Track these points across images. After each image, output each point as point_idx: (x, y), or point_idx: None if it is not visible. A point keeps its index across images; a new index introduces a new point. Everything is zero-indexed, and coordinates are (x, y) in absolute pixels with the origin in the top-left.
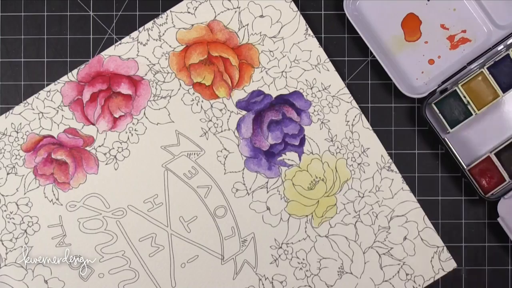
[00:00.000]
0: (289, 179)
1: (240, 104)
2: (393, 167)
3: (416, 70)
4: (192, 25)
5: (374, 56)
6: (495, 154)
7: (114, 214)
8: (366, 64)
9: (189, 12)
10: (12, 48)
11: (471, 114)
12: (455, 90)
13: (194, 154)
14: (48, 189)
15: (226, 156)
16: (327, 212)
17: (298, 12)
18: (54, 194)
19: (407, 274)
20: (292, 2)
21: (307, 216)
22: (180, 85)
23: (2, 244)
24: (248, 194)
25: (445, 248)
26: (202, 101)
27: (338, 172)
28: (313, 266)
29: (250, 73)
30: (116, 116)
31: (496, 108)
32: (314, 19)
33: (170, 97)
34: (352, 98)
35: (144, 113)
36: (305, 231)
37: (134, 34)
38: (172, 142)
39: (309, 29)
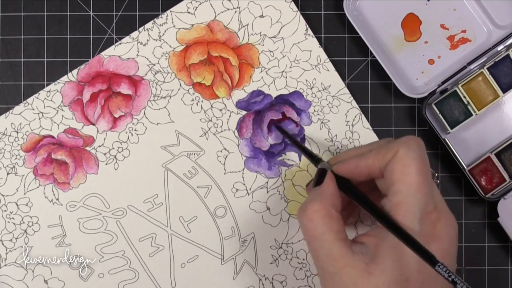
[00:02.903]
0: (289, 179)
1: (240, 104)
2: None
3: (416, 70)
4: (192, 25)
5: (374, 56)
6: (495, 154)
7: (114, 214)
8: (366, 64)
9: (189, 12)
10: (12, 48)
11: (471, 115)
12: (455, 90)
13: (194, 154)
14: (48, 189)
15: (226, 156)
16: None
17: (298, 12)
18: (54, 194)
19: None
20: (292, 2)
21: None
22: (180, 85)
23: (2, 244)
24: (248, 194)
25: None
26: (202, 101)
27: None
28: (313, 266)
29: (250, 73)
30: (116, 116)
31: (496, 108)
32: (314, 19)
33: (170, 97)
34: (352, 98)
35: (144, 113)
36: None
37: (134, 34)
38: (172, 142)
39: (309, 29)
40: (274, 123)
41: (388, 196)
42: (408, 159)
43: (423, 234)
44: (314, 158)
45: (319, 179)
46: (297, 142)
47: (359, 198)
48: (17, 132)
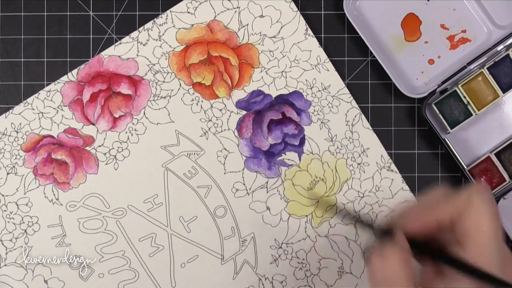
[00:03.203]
0: (289, 179)
1: (240, 104)
2: (393, 167)
3: (416, 70)
4: (192, 25)
5: (374, 56)
6: (495, 154)
7: (114, 214)
8: (366, 64)
9: (189, 12)
10: (12, 48)
11: (471, 114)
12: (455, 90)
13: (194, 154)
14: (48, 189)
15: (226, 156)
16: (327, 212)
17: (298, 12)
18: (54, 194)
19: None
20: (292, 2)
21: (307, 216)
22: (180, 85)
23: (2, 244)
24: (248, 194)
25: None
26: (202, 101)
27: (338, 172)
28: (313, 266)
29: (250, 73)
30: (116, 116)
31: (496, 108)
32: (314, 19)
33: (170, 97)
34: (352, 98)
35: (144, 113)
36: (305, 231)
37: (134, 34)
38: (172, 142)
39: (309, 29)
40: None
41: (463, 247)
42: (484, 207)
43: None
44: (374, 228)
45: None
46: (360, 218)
47: (435, 253)
48: (17, 132)
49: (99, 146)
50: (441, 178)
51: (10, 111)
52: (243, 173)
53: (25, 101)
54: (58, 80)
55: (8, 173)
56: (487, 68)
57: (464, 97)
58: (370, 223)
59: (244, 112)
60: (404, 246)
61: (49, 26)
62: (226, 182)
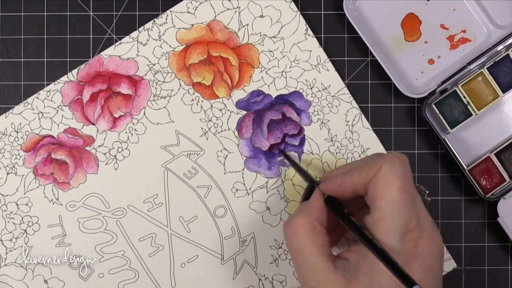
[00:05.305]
0: (289, 179)
1: (240, 104)
2: None
3: (416, 70)
4: (192, 25)
5: (374, 56)
6: (495, 154)
7: (114, 214)
8: (366, 64)
9: (189, 12)
10: (12, 48)
11: (471, 114)
12: (455, 90)
13: (194, 154)
14: (48, 189)
15: (226, 156)
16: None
17: (298, 12)
18: (54, 194)
19: None
20: (292, 2)
21: None
22: (180, 85)
23: (2, 244)
24: (248, 194)
25: (444, 248)
26: (202, 101)
27: None
28: None
29: (250, 73)
30: (116, 116)
31: (496, 108)
32: (314, 19)
33: (170, 97)
34: (352, 98)
35: (144, 113)
36: None
37: (134, 34)
38: (172, 142)
39: (309, 29)
40: (279, 148)
41: (370, 212)
42: (391, 176)
43: (404, 252)
44: (312, 181)
45: (307, 196)
46: (298, 166)
47: (341, 215)
48: (17, 132)
49: (99, 146)
50: (441, 178)
51: (10, 111)
52: (243, 173)
53: (25, 101)
54: (58, 80)
55: (8, 173)
56: (487, 68)
57: (464, 97)
58: (307, 177)
59: (244, 112)
60: (316, 206)
61: (49, 26)
62: (226, 182)
